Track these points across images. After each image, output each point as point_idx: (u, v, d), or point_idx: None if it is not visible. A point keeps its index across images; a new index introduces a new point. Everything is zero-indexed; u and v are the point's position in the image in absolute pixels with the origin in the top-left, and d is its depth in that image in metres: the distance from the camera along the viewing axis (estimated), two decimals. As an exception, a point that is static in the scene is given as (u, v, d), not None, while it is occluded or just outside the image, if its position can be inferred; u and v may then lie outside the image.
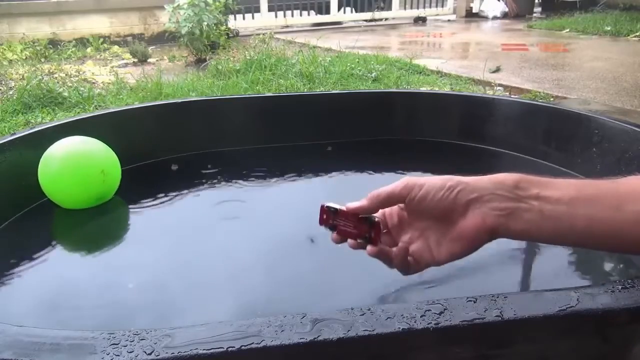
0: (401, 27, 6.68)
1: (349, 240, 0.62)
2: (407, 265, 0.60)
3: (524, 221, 0.52)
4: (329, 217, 0.62)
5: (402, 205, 0.59)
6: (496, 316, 0.50)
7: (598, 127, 1.16)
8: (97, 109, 2.56)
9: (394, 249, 0.60)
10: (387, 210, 0.63)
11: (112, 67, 4.03)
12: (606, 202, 0.50)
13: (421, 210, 0.57)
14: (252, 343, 0.46)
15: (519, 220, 0.52)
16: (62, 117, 2.40)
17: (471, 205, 0.53)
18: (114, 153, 1.13)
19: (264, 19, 6.31)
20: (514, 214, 0.52)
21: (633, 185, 0.51)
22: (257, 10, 6.23)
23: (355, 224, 0.61)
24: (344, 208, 0.61)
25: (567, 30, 5.68)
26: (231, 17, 5.48)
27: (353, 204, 0.60)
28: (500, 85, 3.11)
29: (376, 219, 0.61)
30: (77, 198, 1.08)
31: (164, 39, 4.86)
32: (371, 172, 1.31)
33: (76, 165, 1.07)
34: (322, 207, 0.62)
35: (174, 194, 1.19)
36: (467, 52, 4.73)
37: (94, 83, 3.36)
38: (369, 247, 0.61)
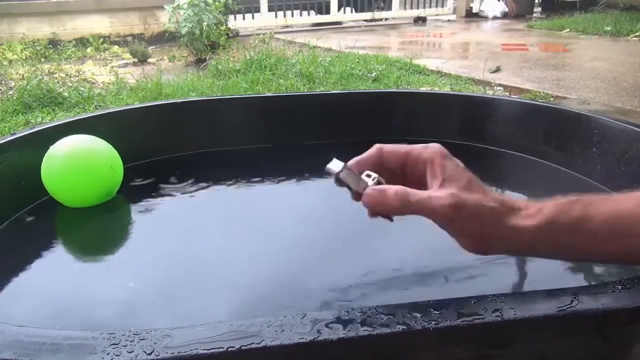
0: (401, 27, 6.68)
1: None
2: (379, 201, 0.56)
3: (520, 247, 0.53)
4: (344, 172, 0.57)
5: None
6: (496, 316, 0.50)
7: (598, 127, 1.16)
8: (97, 109, 2.56)
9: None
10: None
11: (112, 67, 4.03)
12: (603, 235, 0.51)
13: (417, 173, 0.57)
14: (252, 343, 0.46)
15: (516, 245, 0.53)
16: (62, 117, 2.40)
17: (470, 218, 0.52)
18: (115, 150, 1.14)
19: (264, 19, 6.31)
20: (512, 240, 0.53)
21: (629, 212, 0.50)
22: (257, 10, 6.23)
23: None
24: (357, 159, 0.59)
25: (567, 30, 5.68)
26: (231, 17, 5.48)
27: (360, 157, 0.59)
28: (500, 85, 3.11)
29: (378, 178, 0.57)
30: (86, 195, 1.08)
31: (164, 39, 4.87)
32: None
33: (85, 161, 1.08)
34: (334, 169, 0.57)
35: (174, 193, 1.19)
36: (467, 52, 4.73)
37: (94, 83, 3.36)
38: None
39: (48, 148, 1.07)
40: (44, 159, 1.06)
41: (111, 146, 1.13)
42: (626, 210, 0.50)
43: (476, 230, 0.52)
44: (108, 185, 1.11)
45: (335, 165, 0.58)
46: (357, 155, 0.60)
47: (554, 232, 0.51)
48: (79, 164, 1.07)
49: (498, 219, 0.51)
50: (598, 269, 0.89)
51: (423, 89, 2.75)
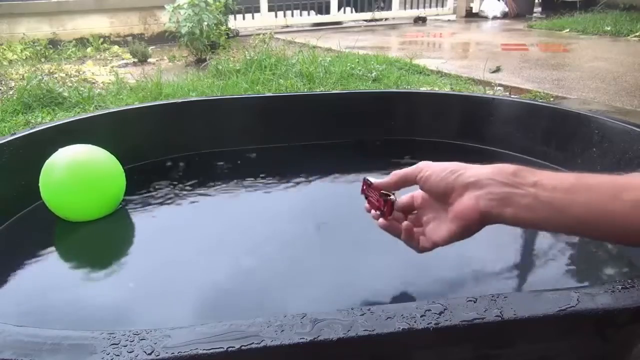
0: (401, 27, 6.68)
1: (372, 211, 0.72)
2: (413, 241, 0.67)
3: (518, 206, 0.53)
4: (366, 188, 0.72)
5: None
6: (496, 316, 0.50)
7: (598, 127, 1.16)
8: (97, 109, 2.56)
9: (404, 223, 0.67)
10: (415, 192, 0.70)
11: (112, 67, 4.03)
12: (604, 190, 0.51)
13: (427, 190, 0.63)
14: (252, 343, 0.46)
15: (513, 205, 0.53)
16: (62, 117, 2.40)
17: (469, 188, 0.57)
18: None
19: (264, 19, 6.31)
20: (509, 198, 0.54)
21: (632, 177, 0.52)
22: (257, 10, 6.22)
23: (377, 198, 0.70)
24: (375, 182, 0.71)
25: (567, 30, 5.68)
26: (231, 17, 5.48)
27: (379, 180, 0.70)
28: (500, 85, 3.10)
29: (391, 197, 0.69)
30: (95, 211, 1.06)
31: (164, 39, 4.86)
32: (371, 172, 1.31)
33: (112, 169, 1.06)
34: (364, 179, 0.73)
35: (174, 194, 1.19)
36: (467, 52, 4.73)
37: (94, 83, 3.36)
38: (380, 220, 0.70)
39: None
40: (44, 174, 1.02)
41: (110, 154, 1.10)
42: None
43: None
44: (118, 198, 1.10)
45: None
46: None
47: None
48: (88, 179, 1.04)
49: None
50: (598, 269, 0.89)
51: (423, 89, 2.75)
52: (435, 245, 0.64)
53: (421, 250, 0.67)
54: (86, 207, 1.04)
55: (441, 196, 0.61)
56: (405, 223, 0.67)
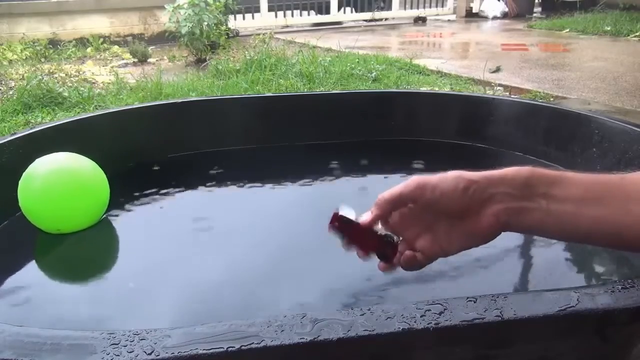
0: (401, 27, 6.68)
1: (359, 251, 0.60)
2: (414, 263, 0.60)
3: (532, 219, 0.53)
4: (341, 225, 0.58)
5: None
6: (496, 316, 0.50)
7: (598, 127, 1.16)
8: (97, 108, 2.56)
9: (406, 253, 0.59)
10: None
11: (112, 67, 4.03)
12: (613, 203, 0.50)
13: (433, 210, 0.57)
14: (252, 343, 0.46)
15: (526, 219, 0.53)
16: (62, 117, 2.40)
17: (485, 205, 0.54)
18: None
19: (264, 19, 6.31)
20: (522, 212, 0.53)
21: None
22: (257, 10, 6.22)
23: (370, 239, 0.58)
24: (357, 220, 0.58)
25: (567, 30, 5.68)
26: (231, 17, 5.48)
27: (366, 217, 0.58)
28: (500, 85, 3.10)
29: (395, 240, 0.59)
30: (101, 211, 1.05)
31: (164, 39, 4.86)
32: (371, 172, 1.31)
33: (101, 177, 1.05)
34: (335, 214, 0.58)
35: (173, 193, 1.19)
36: (467, 52, 4.72)
37: (94, 83, 3.36)
38: (382, 264, 0.61)
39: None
40: (25, 184, 0.98)
41: (93, 161, 1.07)
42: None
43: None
44: (104, 207, 1.08)
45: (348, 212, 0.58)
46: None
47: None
48: (100, 180, 1.03)
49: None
50: (598, 269, 0.89)
51: (423, 89, 2.75)
52: (433, 260, 0.60)
53: (418, 268, 0.60)
54: (72, 217, 1.02)
55: (451, 214, 0.56)
56: (408, 252, 0.59)
